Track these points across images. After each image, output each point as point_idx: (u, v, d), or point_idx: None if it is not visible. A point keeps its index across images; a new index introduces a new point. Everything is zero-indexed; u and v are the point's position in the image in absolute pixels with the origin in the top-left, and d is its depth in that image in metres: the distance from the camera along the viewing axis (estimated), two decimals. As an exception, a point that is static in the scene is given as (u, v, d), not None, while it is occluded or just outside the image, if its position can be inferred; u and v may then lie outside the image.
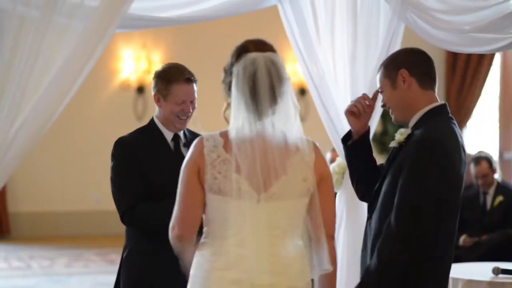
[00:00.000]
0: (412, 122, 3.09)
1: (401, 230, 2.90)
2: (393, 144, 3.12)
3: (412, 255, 2.90)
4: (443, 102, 3.12)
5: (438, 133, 2.98)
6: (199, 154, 2.64)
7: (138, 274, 3.51)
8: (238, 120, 2.61)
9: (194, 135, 3.62)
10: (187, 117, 3.60)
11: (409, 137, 3.05)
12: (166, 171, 3.46)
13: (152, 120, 3.66)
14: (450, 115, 3.12)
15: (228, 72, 2.68)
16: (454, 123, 3.08)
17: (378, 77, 3.19)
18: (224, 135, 2.64)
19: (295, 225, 2.68)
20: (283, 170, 2.62)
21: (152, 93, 3.62)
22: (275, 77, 2.60)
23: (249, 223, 2.60)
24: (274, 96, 2.60)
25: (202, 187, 2.64)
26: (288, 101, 2.62)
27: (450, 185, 2.94)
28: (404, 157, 2.98)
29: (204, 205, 2.66)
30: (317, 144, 2.71)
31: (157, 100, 3.59)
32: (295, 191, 2.64)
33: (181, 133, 3.65)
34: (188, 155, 2.68)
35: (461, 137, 3.07)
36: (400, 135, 3.09)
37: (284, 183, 2.62)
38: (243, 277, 2.59)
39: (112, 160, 3.58)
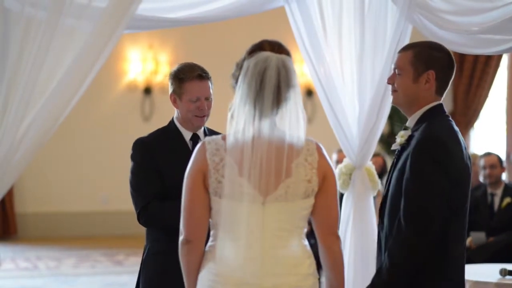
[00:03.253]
0: (411, 123, 3.10)
1: (410, 230, 2.91)
2: (395, 146, 3.13)
3: (422, 255, 2.92)
4: (439, 102, 3.12)
5: (438, 131, 3.00)
6: (203, 158, 2.65)
7: (156, 275, 3.51)
8: (240, 117, 2.59)
9: (214, 134, 3.57)
10: (204, 115, 3.58)
11: (410, 138, 3.06)
12: (183, 171, 3.46)
13: (171, 121, 3.65)
14: (447, 114, 3.12)
15: (239, 66, 2.67)
16: (452, 122, 3.10)
17: (402, 56, 3.10)
18: (226, 137, 2.64)
19: (300, 226, 2.68)
20: (288, 172, 2.61)
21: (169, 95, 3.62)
22: (283, 80, 2.59)
23: (254, 226, 2.61)
24: (278, 98, 2.59)
25: (207, 192, 2.65)
26: (292, 108, 2.60)
27: (452, 182, 2.95)
28: (406, 159, 3.00)
29: (210, 209, 2.66)
30: (320, 145, 2.70)
31: (174, 101, 3.59)
32: (300, 192, 2.63)
33: (201, 133, 3.63)
34: (191, 160, 2.68)
35: (460, 136, 3.08)
36: (401, 137, 3.10)
37: (289, 185, 2.61)
38: (250, 279, 2.59)
39: (131, 161, 3.58)
